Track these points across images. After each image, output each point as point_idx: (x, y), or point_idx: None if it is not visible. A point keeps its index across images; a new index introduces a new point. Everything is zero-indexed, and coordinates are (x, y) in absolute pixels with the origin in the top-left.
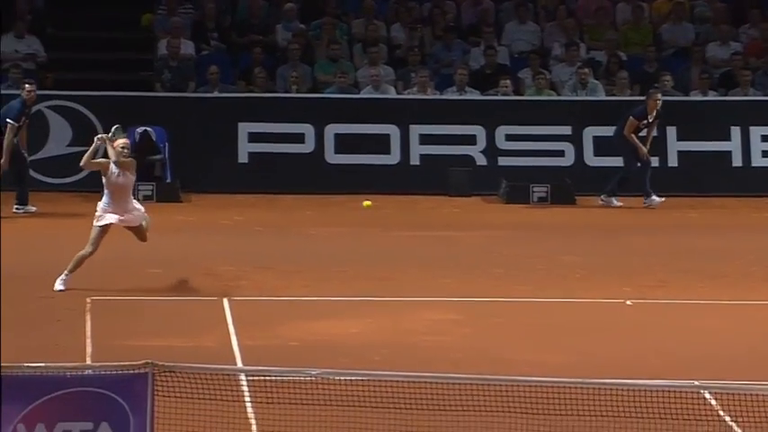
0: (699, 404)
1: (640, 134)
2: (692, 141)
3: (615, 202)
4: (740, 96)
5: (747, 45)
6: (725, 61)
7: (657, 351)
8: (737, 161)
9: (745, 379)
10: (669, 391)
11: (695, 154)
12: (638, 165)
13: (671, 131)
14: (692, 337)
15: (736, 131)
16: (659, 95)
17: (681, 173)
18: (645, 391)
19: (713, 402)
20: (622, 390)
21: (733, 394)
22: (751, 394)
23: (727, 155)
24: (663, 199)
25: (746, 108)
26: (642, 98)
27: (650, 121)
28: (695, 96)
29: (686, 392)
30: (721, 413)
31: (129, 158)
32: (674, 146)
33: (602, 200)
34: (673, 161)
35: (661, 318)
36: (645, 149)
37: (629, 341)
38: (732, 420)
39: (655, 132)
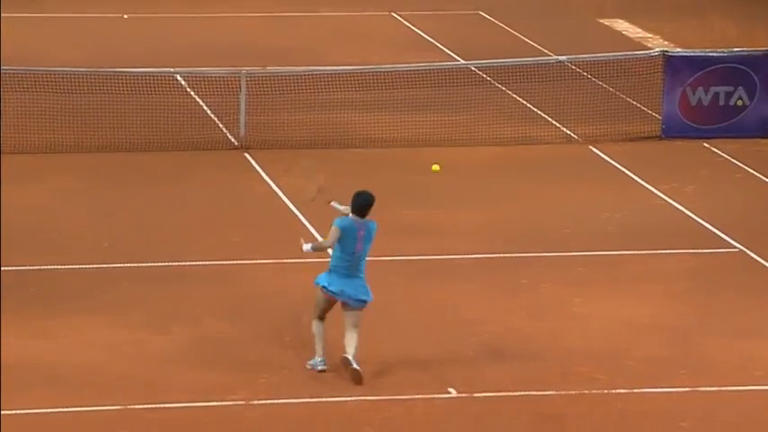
0: (173, 84)
1: None
2: None
3: None
4: None
5: None
6: None
7: (145, 50)
8: None
9: (203, 66)
10: (149, 76)
11: None
12: None
13: None
14: (170, 40)
15: None
16: None
17: None
18: (129, 76)
19: (183, 82)
20: (118, 75)
21: (195, 76)
22: (205, 75)
23: None
24: None
25: None
26: None
27: None
28: None
29: (163, 76)
30: (189, 90)
31: None
32: None
33: None
34: None
35: (149, 27)
36: None
37: (126, 44)
38: (197, 95)
39: None
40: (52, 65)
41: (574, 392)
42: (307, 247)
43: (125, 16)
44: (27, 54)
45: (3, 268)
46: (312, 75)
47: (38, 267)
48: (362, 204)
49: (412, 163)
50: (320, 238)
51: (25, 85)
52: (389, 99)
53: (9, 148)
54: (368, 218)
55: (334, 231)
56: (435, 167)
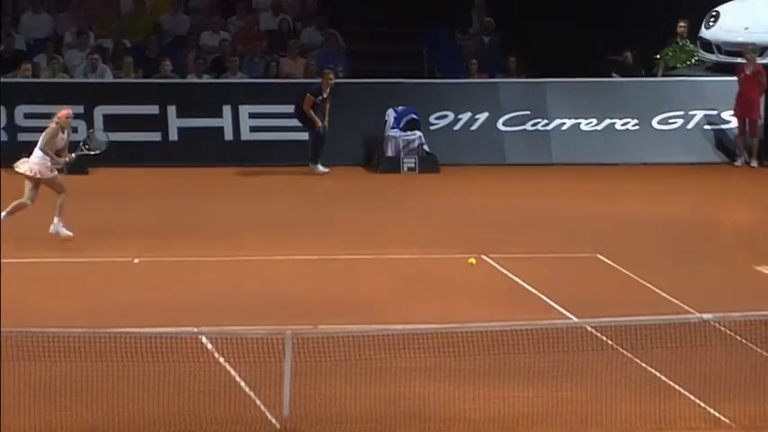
0: (197, 348)
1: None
2: (190, 118)
3: (320, 168)
4: (230, 79)
5: (236, 34)
6: (216, 48)
7: (161, 303)
8: (229, 135)
9: (235, 324)
10: (166, 338)
11: (193, 129)
12: (312, 134)
13: (171, 109)
14: (191, 290)
15: (227, 109)
16: (332, 75)
17: (181, 146)
18: (139, 338)
19: (209, 345)
20: (125, 337)
21: (225, 337)
22: (238, 337)
23: (220, 130)
24: (327, 169)
25: (235, 89)
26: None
27: (324, 97)
28: (191, 79)
29: (183, 338)
30: (216, 354)
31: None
32: (175, 122)
33: (310, 169)
34: (173, 136)
35: (165, 274)
36: (320, 122)
37: (136, 296)
38: (227, 362)
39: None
40: (38, 324)
41: None
42: None
43: (135, 261)
44: (3, 310)
45: None
46: (377, 335)
47: None
48: None
49: None
50: None
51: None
52: (477, 368)
53: None
54: None
55: None
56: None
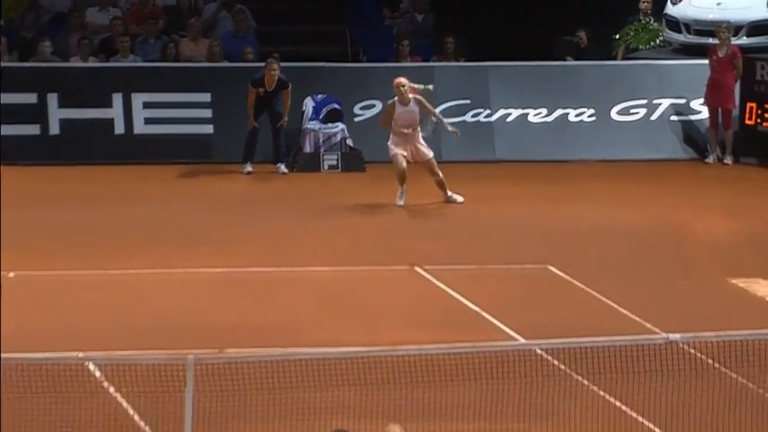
0: (83, 376)
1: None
2: (73, 109)
3: (247, 168)
4: (121, 63)
5: (127, 11)
6: (104, 27)
7: (40, 324)
8: (120, 129)
9: (127, 349)
10: (46, 364)
11: (77, 122)
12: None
13: (52, 98)
14: (76, 310)
15: (117, 98)
16: (276, 65)
17: (63, 141)
18: (27, 363)
19: (97, 374)
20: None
21: (115, 364)
22: (130, 364)
23: (109, 123)
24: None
25: (127, 74)
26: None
27: (269, 90)
28: (75, 63)
29: (68, 364)
30: (105, 384)
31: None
32: (56, 113)
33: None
34: (55, 129)
35: (45, 290)
36: (252, 121)
37: (11, 314)
38: (118, 392)
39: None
40: None
41: None
42: None
43: (11, 275)
44: None
45: None
46: (292, 360)
47: None
48: None
49: None
50: None
51: None
52: (410, 400)
53: None
54: None
55: None
56: None
